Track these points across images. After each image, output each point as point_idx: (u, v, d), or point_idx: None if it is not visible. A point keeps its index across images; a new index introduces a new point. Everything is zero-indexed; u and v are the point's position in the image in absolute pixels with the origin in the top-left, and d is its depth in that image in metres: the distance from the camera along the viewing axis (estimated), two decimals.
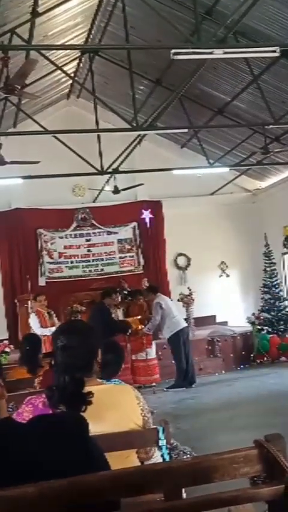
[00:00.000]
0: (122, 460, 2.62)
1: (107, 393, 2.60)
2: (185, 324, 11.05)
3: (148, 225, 15.30)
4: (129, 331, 10.41)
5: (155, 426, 2.96)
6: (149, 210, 15.24)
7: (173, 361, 10.81)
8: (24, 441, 1.74)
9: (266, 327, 13.26)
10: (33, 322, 10.44)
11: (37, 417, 1.92)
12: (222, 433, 7.17)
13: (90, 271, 14.97)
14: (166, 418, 3.11)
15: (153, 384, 10.61)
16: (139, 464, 2.89)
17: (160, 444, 2.91)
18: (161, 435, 2.89)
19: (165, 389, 10.53)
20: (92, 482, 1.66)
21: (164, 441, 2.91)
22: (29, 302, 11.78)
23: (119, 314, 11.19)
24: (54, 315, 11.04)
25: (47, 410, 2.32)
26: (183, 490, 1.83)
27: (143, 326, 10.87)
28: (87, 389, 2.17)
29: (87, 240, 15.05)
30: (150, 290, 11.26)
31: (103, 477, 1.71)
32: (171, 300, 11.88)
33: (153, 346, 11.05)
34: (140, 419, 2.79)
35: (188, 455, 3.41)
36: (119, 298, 11.40)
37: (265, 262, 14.64)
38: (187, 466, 1.83)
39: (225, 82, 11.56)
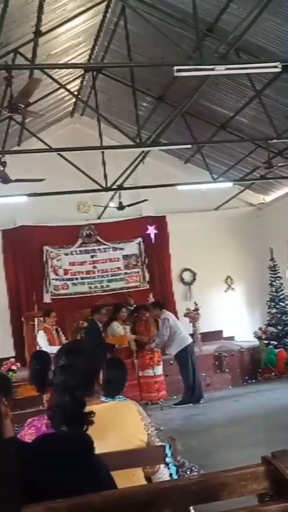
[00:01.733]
0: (128, 478, 2.60)
1: (108, 411, 2.58)
2: (191, 340, 11.02)
3: (153, 241, 15.30)
4: (115, 347, 10.44)
5: (162, 443, 2.93)
6: (154, 225, 15.25)
7: (180, 377, 10.75)
8: (29, 460, 1.73)
9: (273, 341, 13.19)
10: (42, 340, 10.39)
11: (42, 436, 1.91)
12: (230, 449, 7.10)
13: (95, 287, 14.95)
14: (173, 434, 3.09)
15: (160, 400, 10.54)
16: (145, 481, 2.86)
17: (167, 461, 2.88)
18: (168, 452, 2.86)
19: (172, 405, 10.47)
20: (98, 501, 1.65)
21: (172, 459, 2.88)
22: (36, 319, 11.76)
23: (127, 330, 11.18)
24: (61, 332, 11.03)
25: (50, 431, 2.29)
26: (191, 508, 1.81)
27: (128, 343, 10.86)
28: (88, 409, 2.15)
29: (93, 257, 15.05)
30: (156, 306, 11.23)
31: (109, 496, 1.69)
32: (177, 318, 11.89)
33: (161, 363, 11.00)
34: (144, 435, 2.77)
35: (196, 473, 3.38)
36: (125, 314, 11.40)
37: (271, 276, 14.60)
38: (194, 484, 1.80)
39: (228, 97, 11.61)
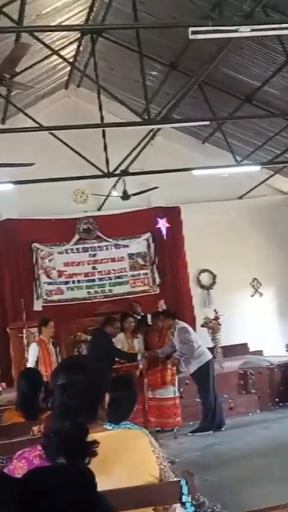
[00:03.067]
0: None
1: (114, 440, 2.58)
2: (211, 355, 11.03)
3: (165, 236, 15.32)
4: (138, 358, 10.47)
5: (176, 478, 2.94)
6: (165, 218, 15.27)
7: (198, 399, 10.76)
8: (19, 500, 1.74)
9: None
10: (31, 355, 10.43)
11: (34, 471, 1.91)
12: (257, 485, 7.10)
13: (95, 292, 14.99)
14: (190, 468, 3.10)
15: (175, 427, 10.55)
16: None
17: (184, 500, 2.89)
18: (184, 489, 2.87)
19: (188, 433, 10.47)
20: None
21: (189, 497, 2.89)
22: (24, 331, 11.80)
23: (135, 344, 11.19)
24: (58, 347, 11.07)
25: (44, 463, 2.30)
26: None
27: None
28: (90, 437, 2.16)
29: (92, 256, 15.08)
30: (168, 315, 11.23)
31: None
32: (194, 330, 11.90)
33: (175, 382, 10.99)
34: (156, 470, 2.77)
35: None
36: (132, 325, 11.43)
37: None
38: None
39: (254, 64, 11.58)
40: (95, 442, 2.13)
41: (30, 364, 10.15)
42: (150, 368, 10.76)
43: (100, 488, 1.92)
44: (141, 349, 11.07)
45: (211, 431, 10.43)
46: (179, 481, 2.88)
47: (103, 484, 2.02)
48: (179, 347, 10.57)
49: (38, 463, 2.43)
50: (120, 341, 11.00)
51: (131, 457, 2.69)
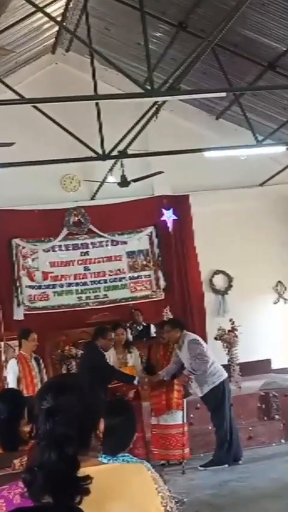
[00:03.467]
0: None
1: (110, 476, 2.58)
2: (226, 374, 11.00)
3: (171, 231, 15.32)
4: (136, 380, 10.43)
5: None
6: (172, 208, 15.26)
7: (211, 427, 10.76)
8: None
9: None
10: (10, 373, 10.42)
11: (15, 511, 1.92)
12: None
13: (88, 298, 14.99)
14: (202, 509, 3.11)
15: (183, 460, 10.56)
16: None
17: None
18: None
19: (199, 467, 10.47)
20: None
21: None
22: (2, 344, 11.81)
23: (128, 360, 11.16)
24: (43, 363, 11.04)
25: (27, 503, 2.29)
26: None
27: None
28: (82, 471, 2.16)
29: (84, 254, 15.09)
30: (175, 325, 11.21)
31: None
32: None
33: (182, 406, 10.99)
34: None
35: None
36: (124, 337, 11.41)
37: None
38: None
39: (278, 24, 11.57)
40: (88, 478, 2.13)
41: (10, 384, 10.16)
42: (153, 389, 10.75)
43: None
44: (137, 367, 11.05)
45: (226, 465, 10.43)
46: None
47: None
48: (189, 363, 10.54)
49: (19, 502, 2.43)
50: (109, 357, 10.95)
51: (130, 495, 2.68)
